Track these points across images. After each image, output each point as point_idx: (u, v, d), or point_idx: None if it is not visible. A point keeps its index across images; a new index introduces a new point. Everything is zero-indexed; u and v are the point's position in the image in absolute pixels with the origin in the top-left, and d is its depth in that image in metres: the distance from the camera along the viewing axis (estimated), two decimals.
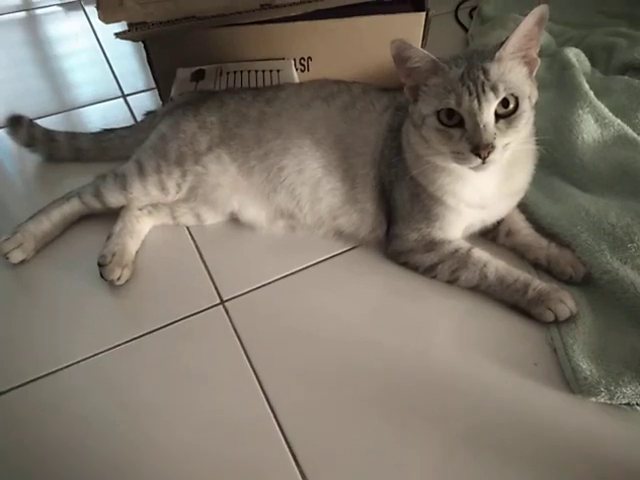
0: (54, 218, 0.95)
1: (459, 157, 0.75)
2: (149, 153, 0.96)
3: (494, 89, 0.72)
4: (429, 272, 0.88)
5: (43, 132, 1.11)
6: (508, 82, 0.73)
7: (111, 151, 1.09)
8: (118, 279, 0.87)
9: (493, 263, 0.84)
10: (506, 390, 0.74)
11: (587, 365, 0.73)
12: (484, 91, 0.72)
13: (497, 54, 0.73)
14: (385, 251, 0.92)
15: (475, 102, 0.72)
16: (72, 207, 0.96)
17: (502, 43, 0.73)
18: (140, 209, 0.96)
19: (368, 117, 0.92)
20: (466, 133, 0.73)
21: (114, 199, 0.96)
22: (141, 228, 0.96)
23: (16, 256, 0.91)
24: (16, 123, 1.10)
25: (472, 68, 0.73)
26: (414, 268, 0.89)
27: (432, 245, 0.87)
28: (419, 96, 0.78)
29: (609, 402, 0.71)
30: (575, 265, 0.86)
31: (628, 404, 0.71)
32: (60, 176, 1.09)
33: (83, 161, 1.10)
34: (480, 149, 0.72)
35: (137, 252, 0.94)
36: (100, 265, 0.87)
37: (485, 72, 0.72)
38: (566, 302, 0.79)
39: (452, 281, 0.86)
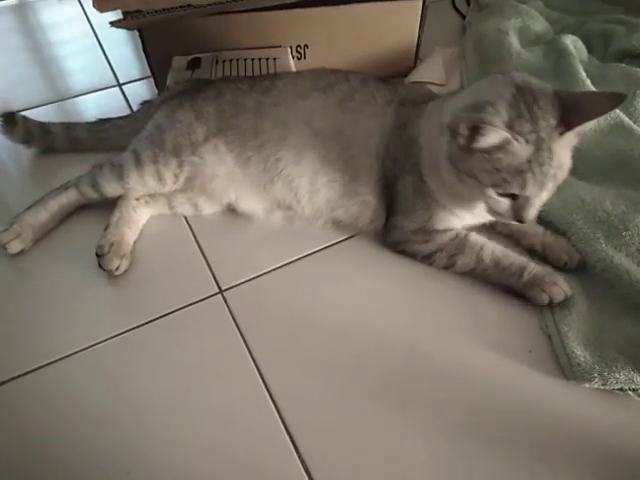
0: (51, 208, 0.95)
1: (496, 215, 0.79)
2: (146, 143, 0.95)
3: (554, 178, 0.72)
4: (427, 259, 0.88)
5: (38, 125, 1.09)
6: (565, 161, 0.73)
7: (108, 141, 1.08)
8: (116, 269, 0.87)
9: (489, 246, 0.85)
10: (501, 376, 0.75)
11: (581, 351, 0.75)
12: (547, 180, 0.72)
13: (568, 135, 0.71)
14: (383, 240, 0.92)
15: (537, 189, 0.72)
16: (69, 197, 0.96)
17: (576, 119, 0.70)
18: (137, 199, 0.96)
19: (370, 109, 0.91)
20: (515, 205, 0.75)
21: (111, 189, 0.95)
22: (139, 218, 0.96)
23: (15, 247, 0.91)
24: (10, 121, 1.07)
25: (540, 149, 0.70)
26: (412, 256, 0.90)
27: (431, 236, 0.87)
28: (474, 154, 0.73)
29: (602, 388, 0.72)
30: (570, 252, 0.86)
31: (621, 389, 0.72)
32: (56, 167, 1.08)
33: (80, 151, 1.09)
34: (523, 222, 0.76)
35: (135, 242, 0.94)
36: (98, 255, 0.88)
37: (551, 156, 0.70)
38: (560, 285, 0.80)
39: (449, 266, 0.87)
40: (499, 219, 0.81)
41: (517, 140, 0.69)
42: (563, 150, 0.72)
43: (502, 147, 0.70)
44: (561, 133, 0.71)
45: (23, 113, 1.11)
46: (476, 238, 0.86)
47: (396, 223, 0.90)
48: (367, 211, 0.92)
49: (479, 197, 0.78)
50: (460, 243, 0.86)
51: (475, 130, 0.70)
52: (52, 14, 1.67)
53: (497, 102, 0.71)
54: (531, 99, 0.71)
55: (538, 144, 0.70)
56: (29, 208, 0.94)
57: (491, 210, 0.79)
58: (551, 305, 0.80)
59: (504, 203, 0.76)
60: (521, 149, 0.70)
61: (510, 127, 0.69)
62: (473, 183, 0.76)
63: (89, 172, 0.97)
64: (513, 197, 0.75)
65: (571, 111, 0.71)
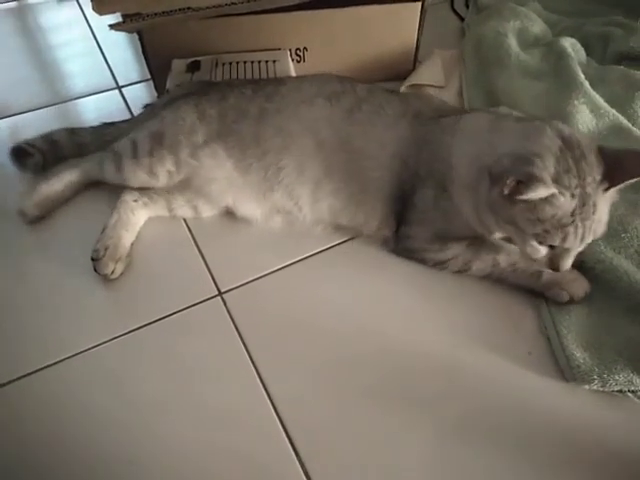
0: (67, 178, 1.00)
1: (528, 260, 0.78)
2: (145, 133, 0.94)
3: (594, 232, 0.73)
4: (440, 265, 0.87)
5: (42, 140, 1.04)
6: (604, 217, 0.73)
7: (111, 144, 1.08)
8: (112, 273, 0.87)
9: (505, 250, 0.85)
10: (501, 378, 0.75)
11: (580, 353, 0.75)
12: (588, 234, 0.72)
13: (610, 191, 0.72)
14: (393, 247, 0.91)
15: (577, 242, 0.72)
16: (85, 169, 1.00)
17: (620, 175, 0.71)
18: (135, 200, 0.95)
19: (380, 120, 0.89)
20: (552, 254, 0.75)
21: (111, 179, 0.97)
22: (136, 220, 0.95)
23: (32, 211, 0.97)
24: (22, 154, 1.02)
25: (585, 204, 0.70)
26: (423, 262, 0.89)
27: (448, 245, 0.86)
28: (517, 204, 0.72)
29: (601, 389, 0.72)
30: None
31: (620, 391, 0.72)
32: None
33: (84, 155, 1.07)
34: (557, 271, 0.76)
35: (132, 244, 0.93)
36: (93, 259, 0.87)
37: (594, 210, 0.71)
38: (580, 281, 0.81)
39: (463, 271, 0.86)
40: (530, 263, 0.81)
41: (563, 195, 0.70)
42: (604, 206, 0.73)
43: (548, 200, 0.70)
44: (605, 189, 0.72)
45: (21, 116, 1.09)
46: (492, 243, 0.85)
47: (410, 232, 0.88)
48: (374, 219, 0.91)
49: (517, 242, 0.78)
50: (476, 249, 0.85)
51: (522, 183, 0.69)
52: (51, 17, 1.68)
53: (545, 155, 0.71)
54: (579, 154, 0.72)
55: (583, 199, 0.70)
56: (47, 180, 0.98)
57: (526, 255, 0.78)
58: (572, 302, 0.81)
59: (542, 251, 0.76)
60: (566, 203, 0.70)
61: (556, 181, 0.70)
62: (512, 229, 0.76)
63: (100, 155, 0.99)
64: (552, 246, 0.75)
65: (614, 168, 0.72)
